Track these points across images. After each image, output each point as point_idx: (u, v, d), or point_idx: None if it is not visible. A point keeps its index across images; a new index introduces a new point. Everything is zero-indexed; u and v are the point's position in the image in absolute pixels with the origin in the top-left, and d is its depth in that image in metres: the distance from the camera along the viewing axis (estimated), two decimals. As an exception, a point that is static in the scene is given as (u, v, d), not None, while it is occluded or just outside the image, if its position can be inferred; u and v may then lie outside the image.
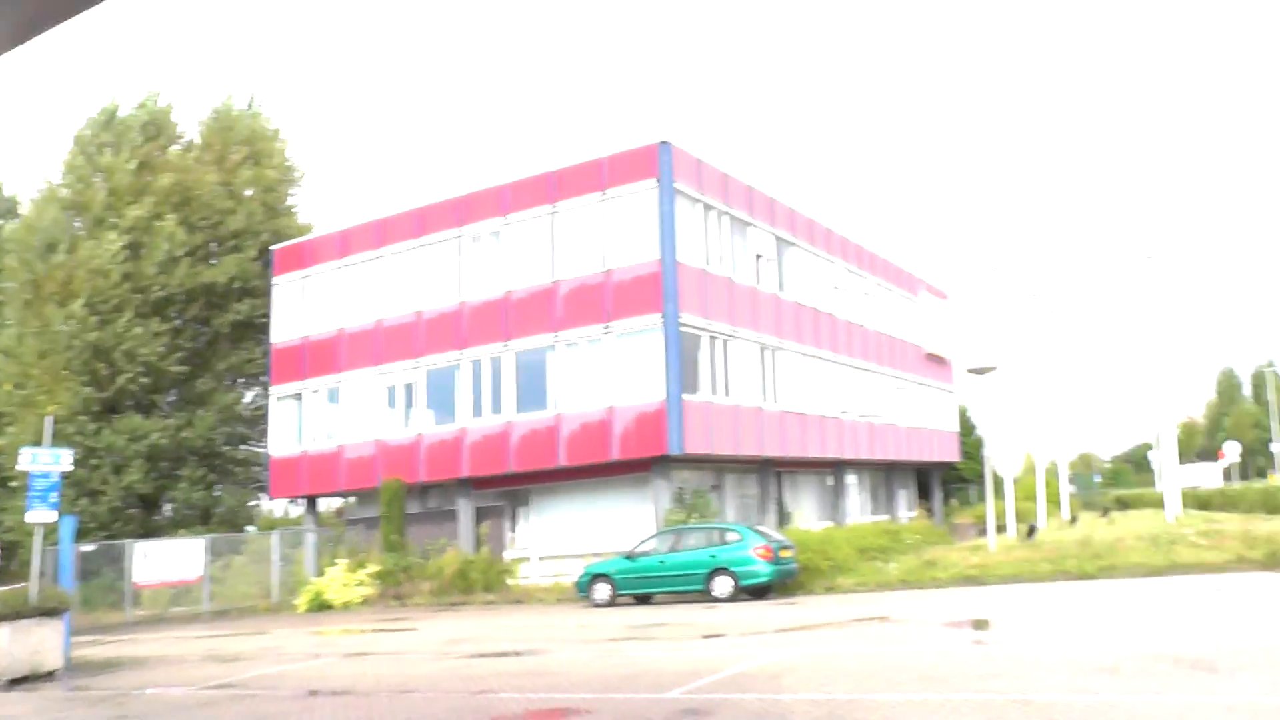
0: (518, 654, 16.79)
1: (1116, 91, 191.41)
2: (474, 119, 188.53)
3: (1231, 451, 72.42)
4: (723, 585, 25.07)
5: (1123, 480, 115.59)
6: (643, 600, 26.59)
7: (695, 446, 30.45)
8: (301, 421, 38.09)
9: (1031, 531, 36.19)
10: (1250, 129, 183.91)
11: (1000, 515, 36.27)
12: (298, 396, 38.37)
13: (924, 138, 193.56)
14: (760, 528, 27.46)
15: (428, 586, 31.18)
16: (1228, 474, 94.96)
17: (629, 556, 26.46)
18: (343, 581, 31.65)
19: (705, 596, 25.30)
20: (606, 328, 31.20)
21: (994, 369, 35.00)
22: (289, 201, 47.59)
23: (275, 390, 39.24)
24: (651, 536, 27.30)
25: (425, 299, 35.16)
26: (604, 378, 31.09)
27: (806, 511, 39.01)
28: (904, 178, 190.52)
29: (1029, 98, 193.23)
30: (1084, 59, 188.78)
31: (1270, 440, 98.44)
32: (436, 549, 32.62)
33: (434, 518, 34.77)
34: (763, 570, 25.02)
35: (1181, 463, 49.21)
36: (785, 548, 26.10)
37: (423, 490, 35.33)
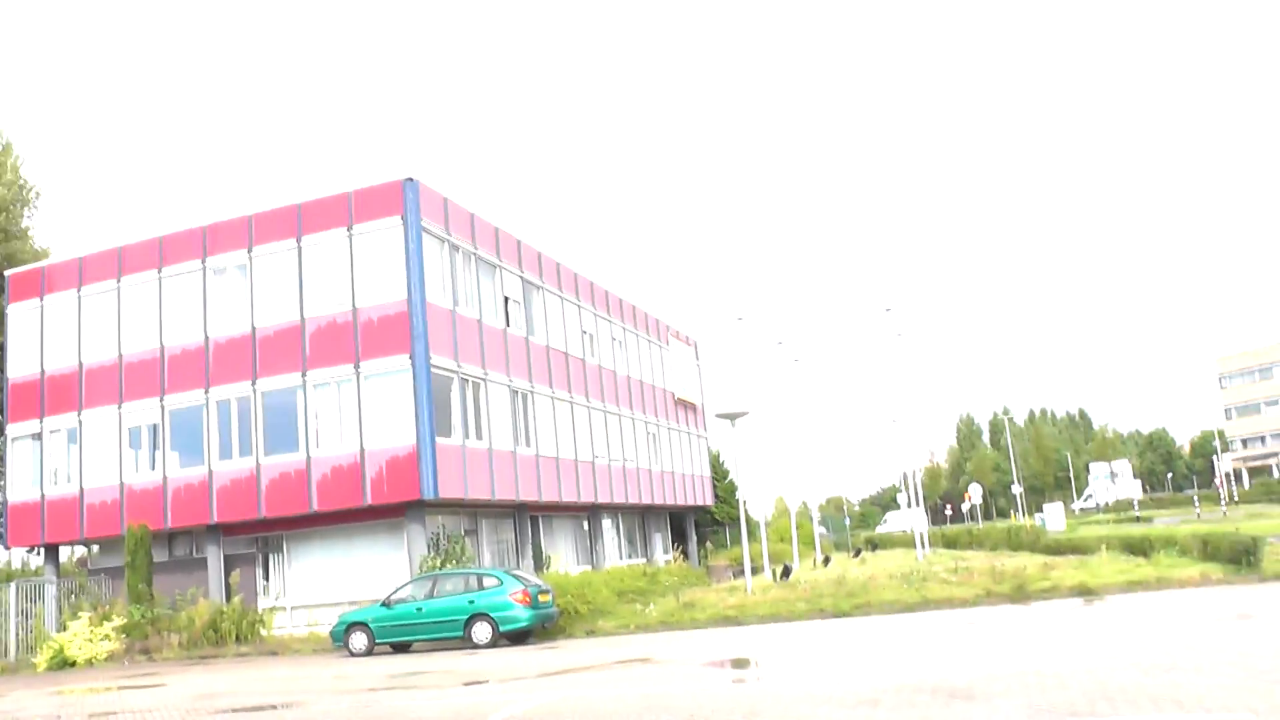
0: (273, 708, 16.09)
1: (859, 148, 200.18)
2: (222, 147, 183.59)
3: (975, 493, 76.01)
4: (482, 631, 24.84)
5: (872, 522, 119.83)
6: (401, 649, 26.10)
7: (449, 491, 30.13)
8: (41, 463, 35.56)
9: (786, 572, 36.98)
10: (993, 187, 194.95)
11: (756, 557, 37.04)
12: (36, 436, 35.85)
13: (671, 187, 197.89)
14: (518, 572, 27.25)
15: (177, 639, 29.71)
16: (972, 514, 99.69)
17: (386, 604, 25.93)
18: (86, 636, 29.76)
19: (465, 643, 24.99)
20: (356, 368, 30.65)
21: (744, 414, 35.67)
22: (24, 223, 44.85)
23: (11, 429, 36.52)
24: (408, 583, 26.85)
25: (168, 334, 33.60)
26: (355, 420, 30.50)
27: (563, 555, 39.00)
28: (651, 227, 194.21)
29: (772, 150, 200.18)
30: (834, 116, 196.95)
31: (1011, 483, 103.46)
32: (186, 600, 31.13)
33: (183, 566, 33.24)
34: (522, 615, 24.88)
35: (927, 505, 51.11)
36: (544, 592, 26.03)
37: (170, 537, 33.78)
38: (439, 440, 29.90)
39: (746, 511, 39.35)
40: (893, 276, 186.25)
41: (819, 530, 56.84)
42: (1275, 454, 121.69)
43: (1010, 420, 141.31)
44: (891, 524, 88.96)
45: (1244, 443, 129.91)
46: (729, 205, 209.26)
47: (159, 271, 34.00)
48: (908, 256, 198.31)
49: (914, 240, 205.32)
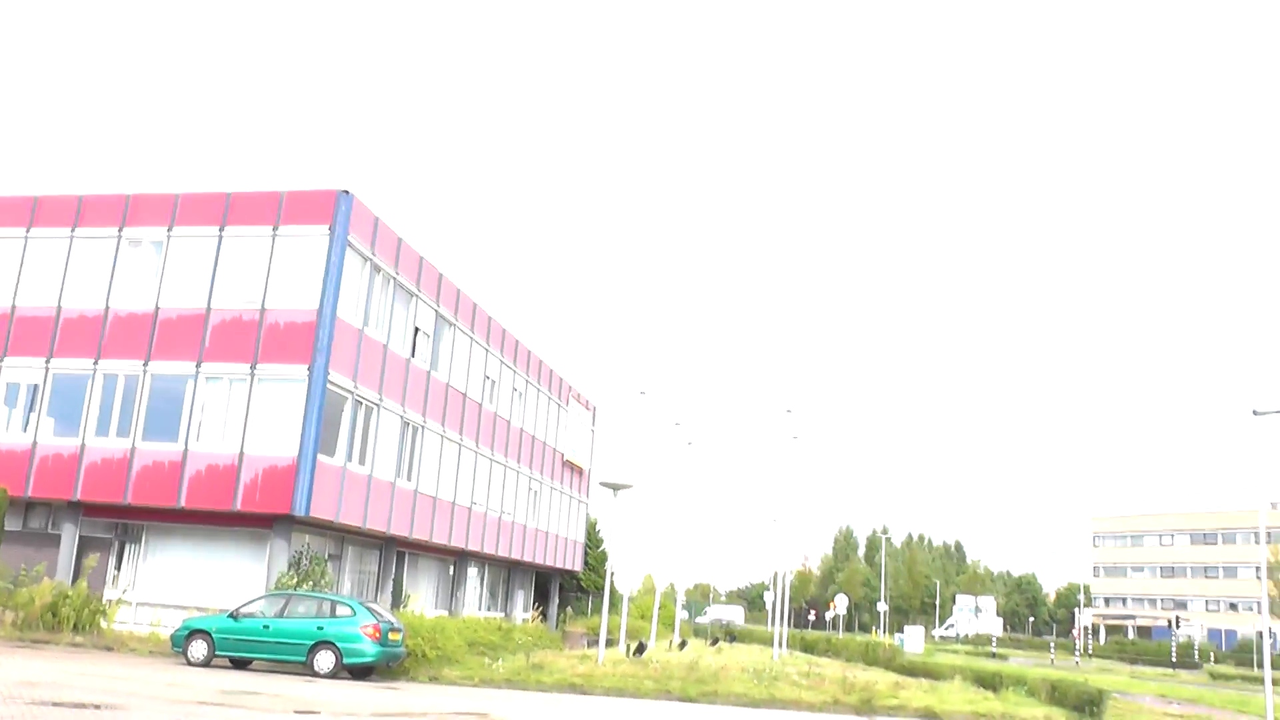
0: (95, 707, 15.43)
1: (774, 244, 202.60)
2: (149, 126, 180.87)
3: (841, 604, 76.55)
4: (325, 660, 24.36)
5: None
6: (240, 665, 25.40)
7: (322, 510, 29.67)
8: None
9: (641, 649, 36.74)
10: (893, 298, 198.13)
11: (613, 629, 36.79)
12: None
13: (596, 255, 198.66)
14: (373, 605, 26.73)
15: (11, 618, 28.37)
16: (835, 624, 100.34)
17: (233, 616, 25.23)
18: (-94, 606, 28.38)
19: (306, 669, 24.48)
20: (253, 369, 30.11)
21: (629, 487, 35.57)
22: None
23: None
24: (260, 598, 26.23)
25: (69, 296, 32.35)
26: (241, 421, 29.88)
27: (424, 596, 38.50)
28: (569, 288, 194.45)
29: (692, 233, 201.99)
30: (737, 207, 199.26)
31: (877, 599, 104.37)
32: (30, 577, 29.74)
33: (34, 540, 31.73)
34: (369, 650, 24.48)
35: (792, 607, 51.34)
36: (395, 629, 25.65)
37: (28, 506, 32.30)
38: (321, 458, 29.44)
39: (613, 582, 39.22)
40: (795, 382, 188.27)
41: (681, 614, 56.72)
42: (1134, 616, 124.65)
43: (888, 539, 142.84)
44: (711, 615, 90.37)
45: (1106, 601, 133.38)
46: (648, 281, 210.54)
47: (72, 230, 32.86)
48: (811, 366, 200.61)
49: (818, 352, 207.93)
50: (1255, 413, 26.46)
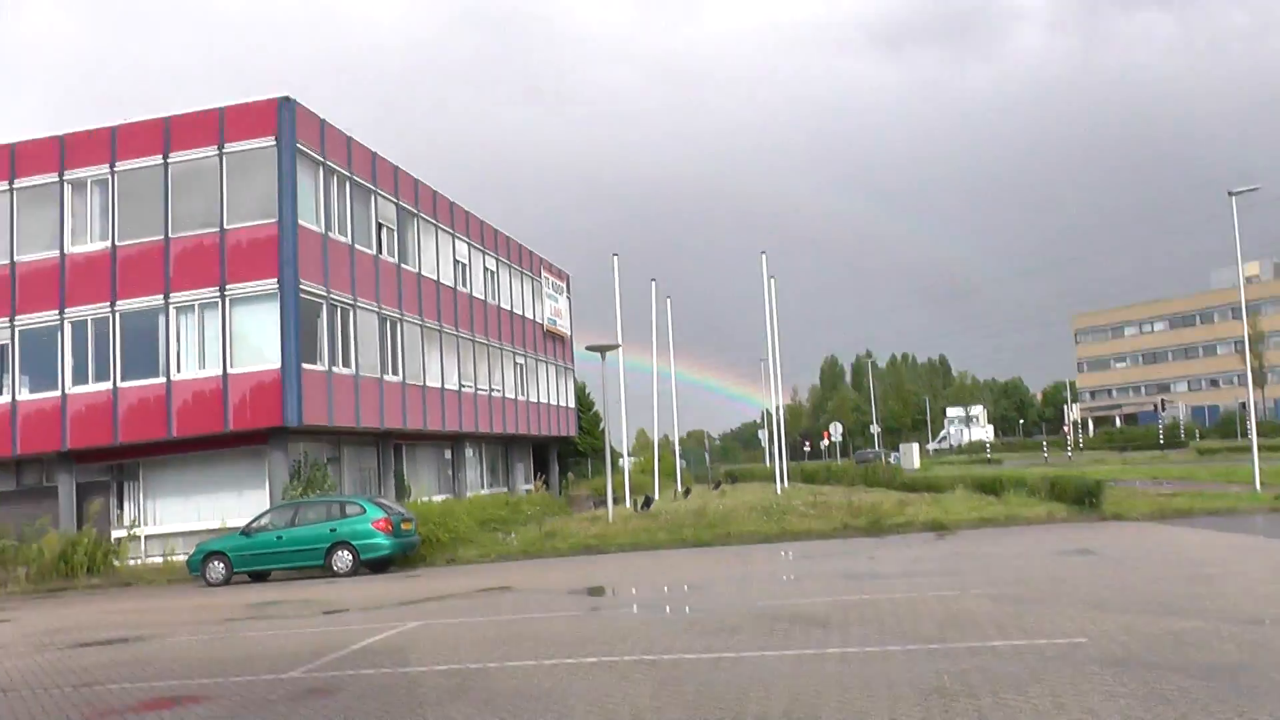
0: (126, 641, 15.68)
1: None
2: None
3: (836, 431, 77.74)
4: (343, 560, 24.85)
5: (732, 457, 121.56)
6: (260, 578, 25.89)
7: (314, 417, 30.01)
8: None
9: (648, 503, 37.52)
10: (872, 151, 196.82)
11: (618, 488, 37.40)
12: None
13: (543, 117, 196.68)
14: (381, 500, 27.29)
15: (24, 572, 28.44)
16: (831, 451, 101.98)
17: (245, 533, 25.73)
18: (-78, 572, 28.54)
19: (326, 572, 25.01)
20: (222, 291, 30.05)
21: (615, 348, 35.94)
22: None
23: None
24: (268, 511, 26.69)
25: (21, 249, 31.94)
26: (219, 344, 29.95)
27: (426, 484, 39.05)
28: (529, 162, 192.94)
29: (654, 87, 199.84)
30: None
31: (869, 423, 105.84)
32: (34, 530, 29.69)
33: (31, 496, 31.95)
34: (384, 543, 24.97)
35: (787, 442, 52.06)
36: (406, 520, 26.12)
37: (18, 465, 32.47)
38: (305, 366, 29.67)
39: (610, 442, 39.80)
40: (768, 220, 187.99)
41: (680, 463, 57.53)
42: (1120, 405, 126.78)
43: (873, 363, 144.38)
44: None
45: (1092, 394, 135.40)
46: (608, 141, 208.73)
47: (10, 183, 32.17)
48: (785, 202, 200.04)
49: (791, 185, 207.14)
50: (1230, 193, 29.56)
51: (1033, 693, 8.05)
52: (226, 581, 25.24)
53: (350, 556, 24.78)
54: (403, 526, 25.65)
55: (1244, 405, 73.35)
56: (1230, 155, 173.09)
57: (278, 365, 29.22)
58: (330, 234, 31.90)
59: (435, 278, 39.83)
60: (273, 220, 29.79)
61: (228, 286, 29.99)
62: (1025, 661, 9.28)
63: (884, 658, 9.84)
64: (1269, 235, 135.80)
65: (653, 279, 49.11)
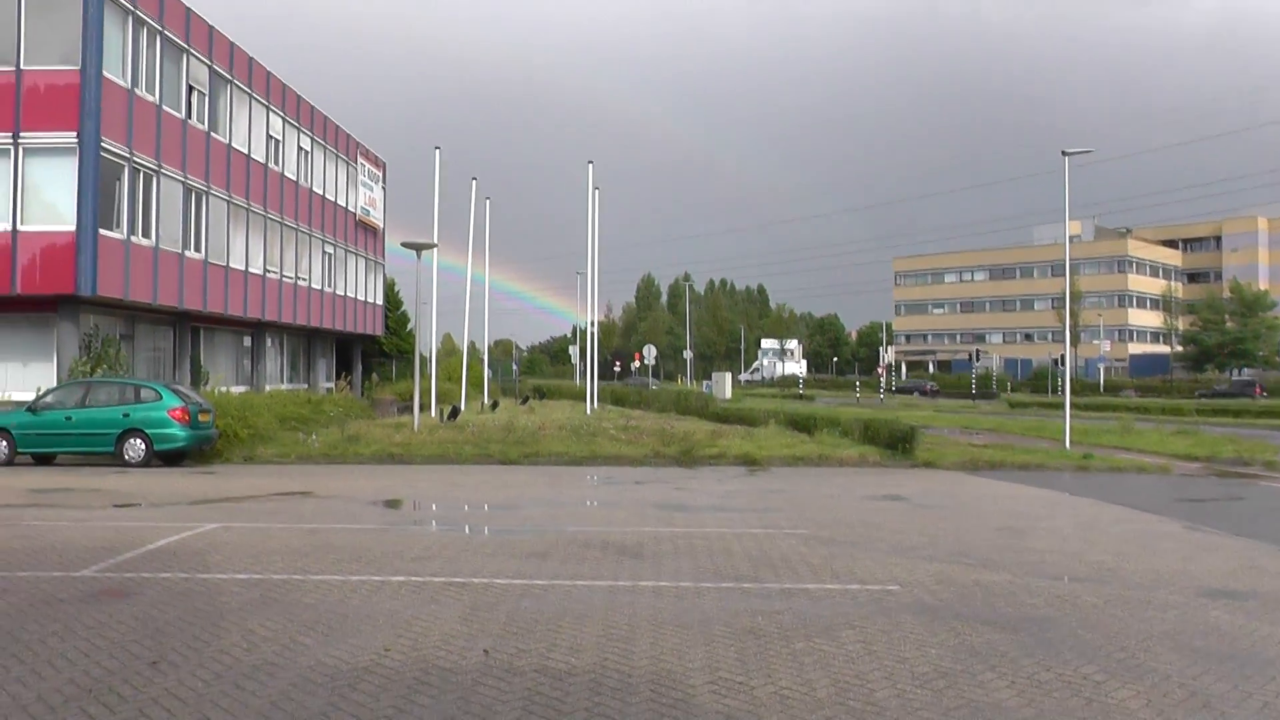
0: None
1: None
2: None
3: (649, 354, 78.46)
4: (135, 448, 24.07)
5: (539, 370, 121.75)
6: (45, 461, 24.96)
7: (109, 289, 29.04)
8: None
9: (455, 413, 37.25)
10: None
11: (425, 394, 36.98)
12: None
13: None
14: (178, 387, 26.44)
15: None
16: (642, 374, 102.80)
17: (31, 409, 24.57)
18: None
19: (116, 460, 24.18)
20: (15, 138, 28.56)
21: (434, 246, 35.40)
22: None
23: None
24: (58, 388, 25.76)
25: None
26: (9, 196, 28.49)
27: (223, 373, 38.24)
28: (349, 39, 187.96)
29: None
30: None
31: (683, 348, 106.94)
32: None
33: None
34: (180, 434, 24.29)
35: (597, 360, 52.23)
36: (204, 410, 25.42)
37: None
38: (102, 232, 28.63)
39: (419, 347, 39.42)
40: (599, 136, 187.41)
41: (488, 373, 57.29)
42: (934, 351, 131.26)
43: (691, 286, 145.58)
44: None
45: (908, 338, 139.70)
46: (436, 30, 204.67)
47: None
48: (618, 119, 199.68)
49: (627, 105, 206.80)
50: (1064, 153, 30.83)
51: (845, 638, 8.41)
52: (9, 462, 24.15)
53: (144, 445, 24.00)
54: (200, 418, 24.89)
55: (1057, 361, 76.77)
56: (1061, 117, 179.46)
57: (73, 227, 28.08)
58: (137, 90, 30.62)
59: (246, 151, 38.67)
60: (75, 67, 28.41)
61: (22, 135, 28.51)
62: (838, 606, 9.66)
63: (697, 594, 10.11)
64: (1091, 197, 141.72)
65: (474, 178, 48.36)
